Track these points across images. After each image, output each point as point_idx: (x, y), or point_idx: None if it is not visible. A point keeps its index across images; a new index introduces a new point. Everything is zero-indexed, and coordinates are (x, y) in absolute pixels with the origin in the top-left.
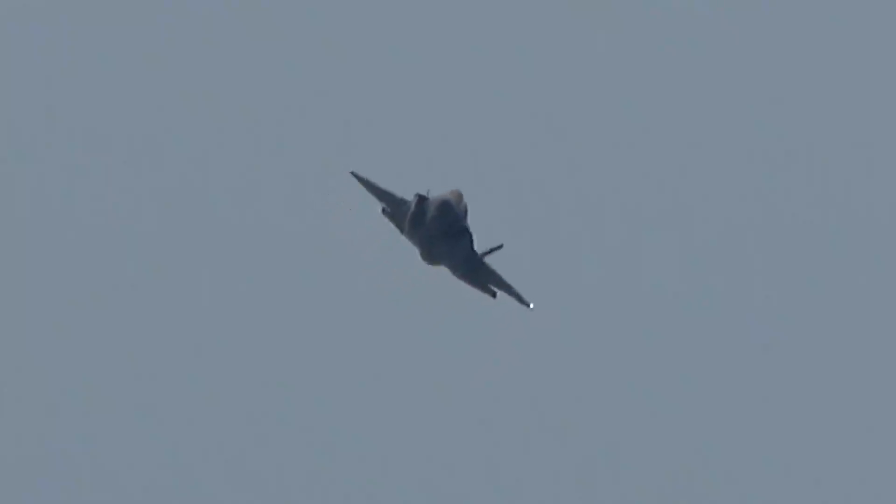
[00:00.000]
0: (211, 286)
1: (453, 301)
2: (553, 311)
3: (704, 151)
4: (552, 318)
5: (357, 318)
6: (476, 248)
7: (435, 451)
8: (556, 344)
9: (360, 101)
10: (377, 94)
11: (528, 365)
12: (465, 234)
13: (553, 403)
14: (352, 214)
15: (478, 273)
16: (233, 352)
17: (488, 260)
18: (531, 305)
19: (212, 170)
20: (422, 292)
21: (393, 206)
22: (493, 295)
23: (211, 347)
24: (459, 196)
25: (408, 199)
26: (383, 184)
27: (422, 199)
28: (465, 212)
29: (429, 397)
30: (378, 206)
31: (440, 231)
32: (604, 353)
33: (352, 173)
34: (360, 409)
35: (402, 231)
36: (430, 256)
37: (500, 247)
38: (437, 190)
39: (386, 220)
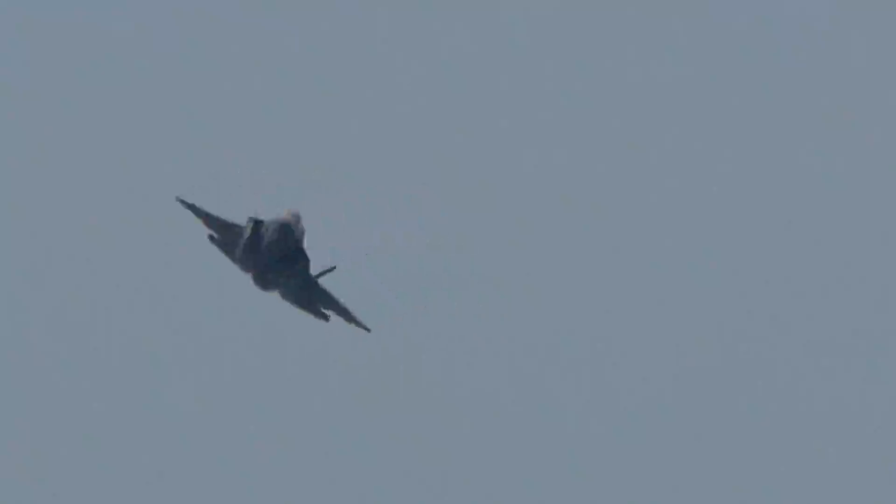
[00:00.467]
0: None
1: (289, 325)
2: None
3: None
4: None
5: (191, 350)
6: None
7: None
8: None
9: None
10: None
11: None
12: (303, 258)
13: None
14: (177, 242)
15: (312, 297)
16: None
17: (322, 283)
18: (369, 329)
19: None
20: (255, 318)
21: (221, 232)
22: (326, 319)
23: None
24: (298, 217)
25: (239, 223)
26: (210, 208)
27: (258, 224)
28: (303, 233)
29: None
30: (204, 232)
31: (278, 255)
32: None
33: (178, 199)
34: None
35: (232, 258)
36: (264, 282)
37: (333, 268)
38: (266, 212)
39: (214, 248)
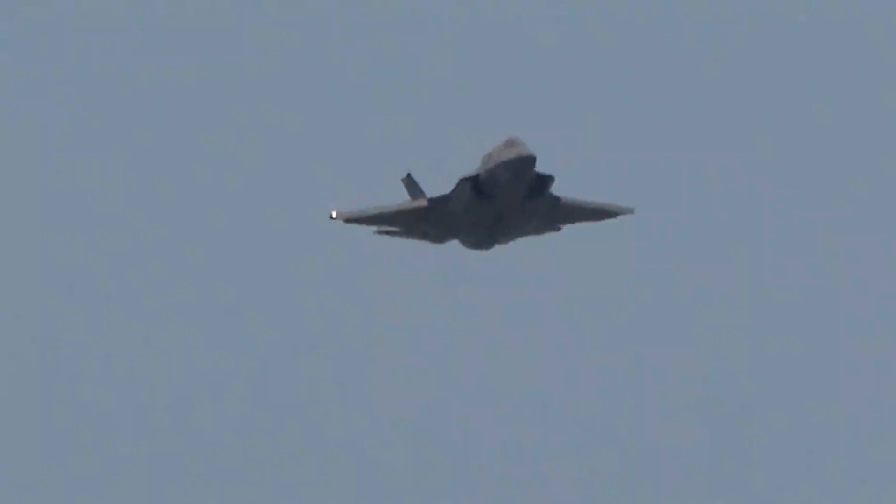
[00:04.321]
0: None
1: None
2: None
3: None
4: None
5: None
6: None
7: None
8: None
9: None
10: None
11: None
12: (548, 178)
13: None
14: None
15: (556, 216)
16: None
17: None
18: (632, 210)
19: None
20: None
21: (394, 222)
22: (558, 229)
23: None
24: (519, 141)
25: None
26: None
27: (470, 180)
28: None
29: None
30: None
31: (525, 189)
32: None
33: (336, 218)
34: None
35: (425, 235)
36: (501, 230)
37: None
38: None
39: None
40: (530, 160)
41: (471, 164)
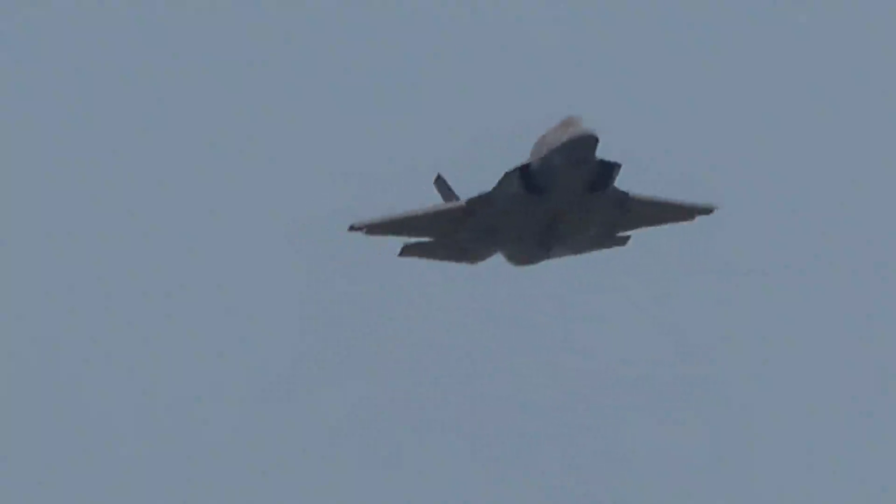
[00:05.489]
0: None
1: None
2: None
3: None
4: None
5: None
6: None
7: None
8: None
9: None
10: None
11: None
12: (613, 165)
13: None
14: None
15: (623, 217)
16: None
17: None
18: (713, 209)
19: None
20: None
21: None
22: (625, 243)
23: None
24: (578, 120)
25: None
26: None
27: (519, 170)
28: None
29: None
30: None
31: (588, 177)
32: None
33: (355, 229)
34: None
35: (463, 253)
36: (558, 237)
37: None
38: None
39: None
40: (590, 140)
41: (514, 159)
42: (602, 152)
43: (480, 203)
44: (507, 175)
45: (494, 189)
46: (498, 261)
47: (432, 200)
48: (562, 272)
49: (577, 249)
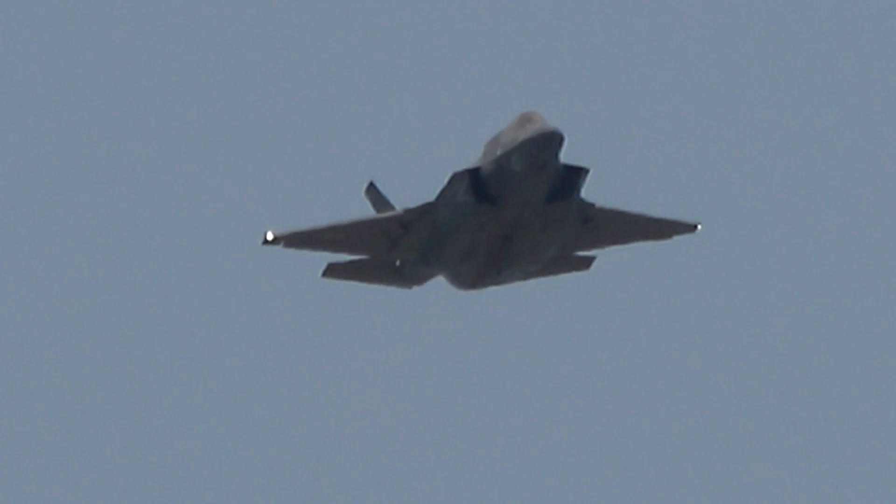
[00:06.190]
0: None
1: None
2: None
3: None
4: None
5: None
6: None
7: None
8: None
9: None
10: None
11: None
12: (580, 170)
13: None
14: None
15: (586, 234)
16: None
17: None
18: (697, 226)
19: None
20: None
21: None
22: (588, 266)
23: None
24: (536, 116)
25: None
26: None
27: (468, 174)
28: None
29: None
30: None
31: (549, 182)
32: None
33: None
34: None
35: (402, 273)
36: (511, 256)
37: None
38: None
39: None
40: (553, 139)
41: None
42: (567, 155)
43: (420, 214)
44: (453, 179)
45: (438, 197)
46: (438, 283)
47: (365, 212)
48: (512, 298)
49: (532, 273)
